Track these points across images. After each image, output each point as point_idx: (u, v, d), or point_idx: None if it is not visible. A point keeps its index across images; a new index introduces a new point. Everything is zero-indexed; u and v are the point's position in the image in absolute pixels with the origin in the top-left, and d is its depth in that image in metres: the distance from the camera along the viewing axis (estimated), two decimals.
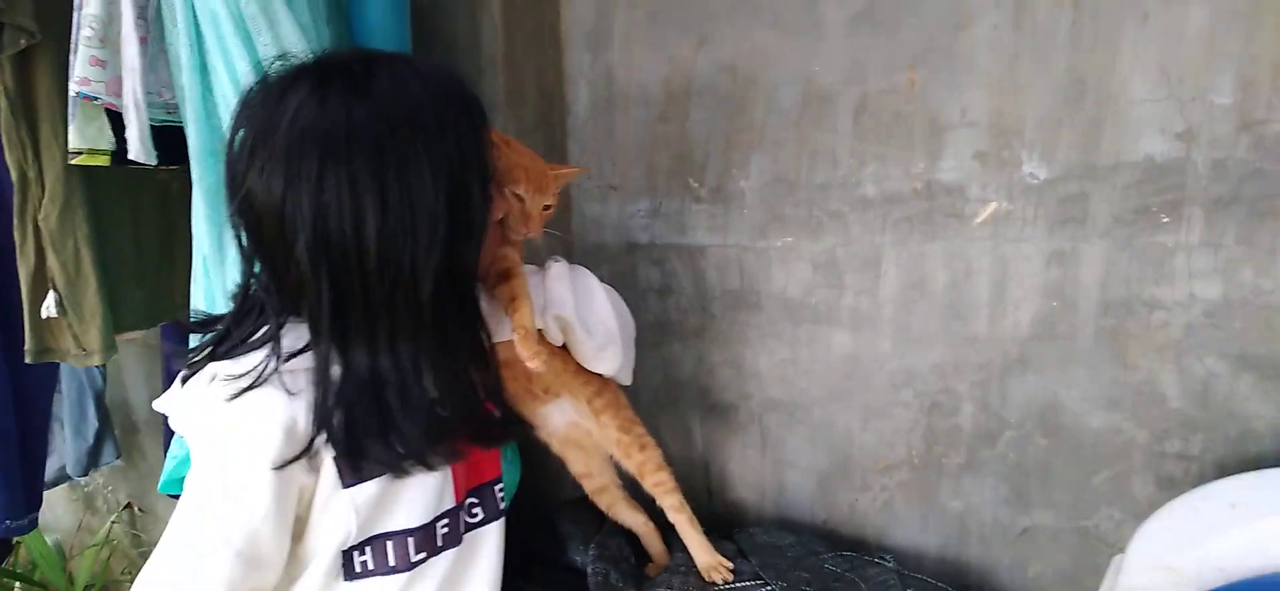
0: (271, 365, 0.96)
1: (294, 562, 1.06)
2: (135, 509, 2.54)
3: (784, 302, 1.56)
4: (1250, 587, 1.02)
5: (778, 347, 1.59)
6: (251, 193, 0.94)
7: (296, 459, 0.96)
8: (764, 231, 1.53)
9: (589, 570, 1.42)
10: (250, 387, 0.96)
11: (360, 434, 0.96)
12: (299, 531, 1.04)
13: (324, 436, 0.95)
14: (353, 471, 1.01)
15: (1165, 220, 1.23)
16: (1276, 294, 1.19)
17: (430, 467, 1.02)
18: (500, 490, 1.20)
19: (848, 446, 1.59)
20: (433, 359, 0.99)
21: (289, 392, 0.96)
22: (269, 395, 0.96)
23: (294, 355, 0.98)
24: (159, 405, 1.09)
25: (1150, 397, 1.30)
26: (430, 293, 0.95)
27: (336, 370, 0.97)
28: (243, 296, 1.05)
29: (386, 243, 0.91)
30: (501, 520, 1.21)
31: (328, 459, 1.00)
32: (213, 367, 1.00)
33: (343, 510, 1.02)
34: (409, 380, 0.97)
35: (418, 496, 1.07)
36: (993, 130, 1.32)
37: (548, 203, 1.21)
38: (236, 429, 0.96)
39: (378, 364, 0.96)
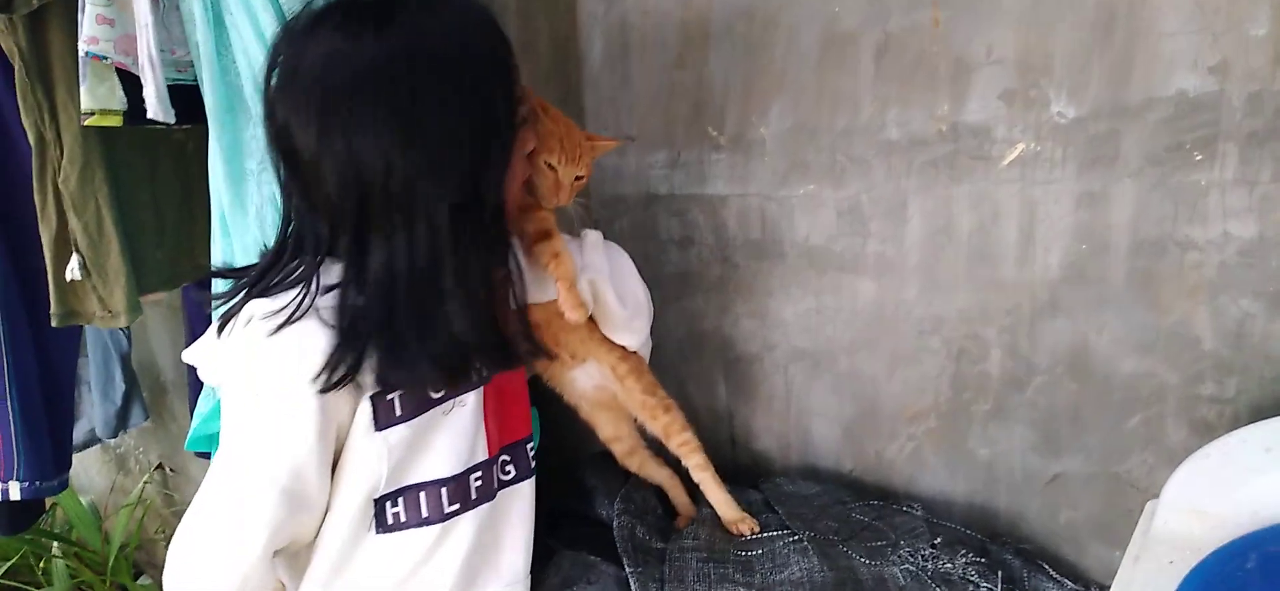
0: (307, 300, 0.98)
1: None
2: (166, 469, 2.58)
3: (807, 251, 1.54)
4: None
5: (801, 297, 1.57)
6: (284, 127, 0.98)
7: (339, 385, 0.98)
8: (785, 179, 1.51)
9: (615, 523, 1.42)
10: (289, 321, 0.98)
11: (384, 356, 0.99)
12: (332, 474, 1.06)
13: (355, 362, 0.98)
14: (386, 412, 1.02)
15: (1198, 157, 1.20)
16: None
17: (453, 386, 1.05)
18: (531, 449, 1.21)
19: (874, 395, 1.57)
20: (453, 286, 1.00)
21: (327, 325, 0.98)
22: (309, 328, 0.98)
23: (331, 289, 1.00)
24: (188, 356, 1.10)
25: (1183, 340, 1.27)
26: (449, 220, 0.97)
27: (362, 298, 1.00)
28: (282, 235, 1.07)
29: (412, 171, 0.95)
30: (532, 479, 1.21)
31: (364, 398, 1.01)
32: (250, 308, 1.02)
33: (374, 452, 1.03)
34: (429, 305, 0.99)
35: (450, 444, 1.08)
36: (1019, 68, 1.28)
37: (580, 173, 1.22)
38: (278, 363, 0.98)
39: (395, 288, 0.98)
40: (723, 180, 1.56)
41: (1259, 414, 1.20)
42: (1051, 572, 1.35)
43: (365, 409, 1.02)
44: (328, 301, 1.00)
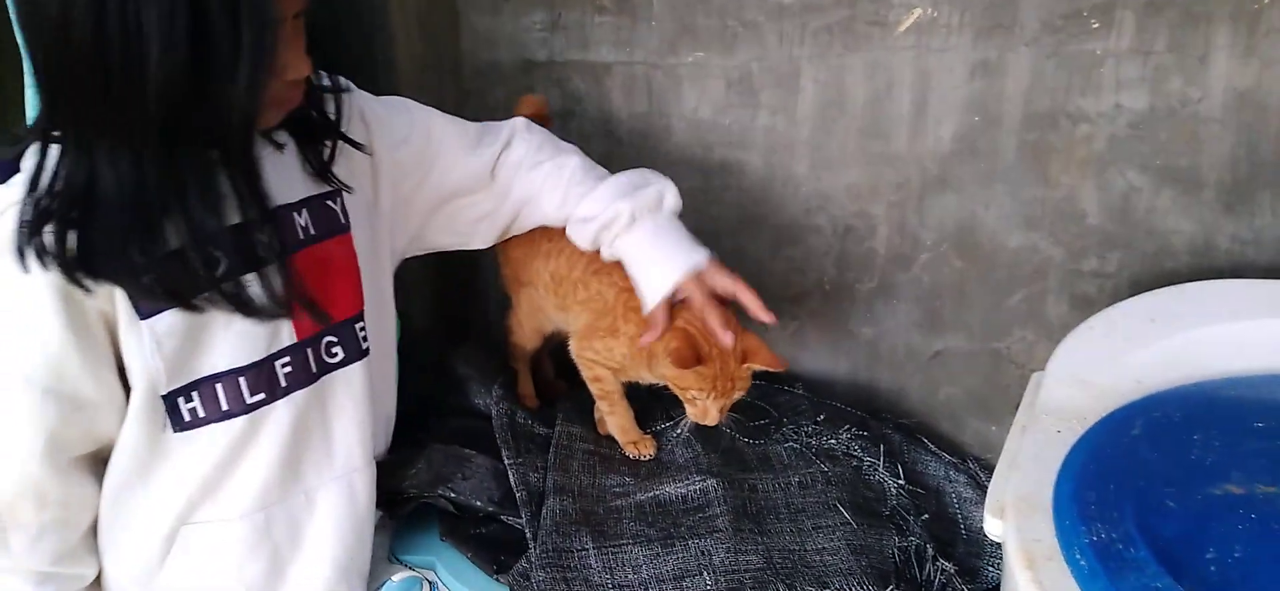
0: (20, 184, 0.85)
1: None
2: None
3: (695, 125, 1.46)
4: (1167, 399, 1.01)
5: (688, 174, 1.50)
6: None
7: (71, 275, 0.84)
8: (674, 46, 1.42)
9: (494, 410, 1.34)
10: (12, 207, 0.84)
11: (91, 251, 0.84)
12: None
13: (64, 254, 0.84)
14: (146, 299, 0.89)
15: (1095, 25, 1.17)
16: (1205, 103, 1.15)
17: (197, 309, 0.91)
18: (362, 328, 1.09)
19: (758, 275, 1.52)
20: (170, 198, 0.85)
21: (39, 211, 0.84)
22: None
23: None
24: None
25: (1069, 215, 1.27)
26: (161, 120, 0.80)
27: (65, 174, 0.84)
28: None
29: (101, 39, 0.77)
30: (367, 360, 1.10)
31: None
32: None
33: (142, 344, 0.91)
34: (135, 209, 0.84)
35: (240, 330, 0.95)
36: None
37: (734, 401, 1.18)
38: (8, 253, 0.85)
39: (98, 177, 0.83)
40: (607, 46, 1.46)
41: (1139, 288, 1.21)
42: (930, 446, 1.36)
43: (122, 296, 0.89)
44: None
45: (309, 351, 1.03)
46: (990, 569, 1.21)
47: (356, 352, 1.08)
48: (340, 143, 1.06)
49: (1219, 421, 0.94)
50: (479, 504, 1.18)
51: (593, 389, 1.29)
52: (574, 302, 1.26)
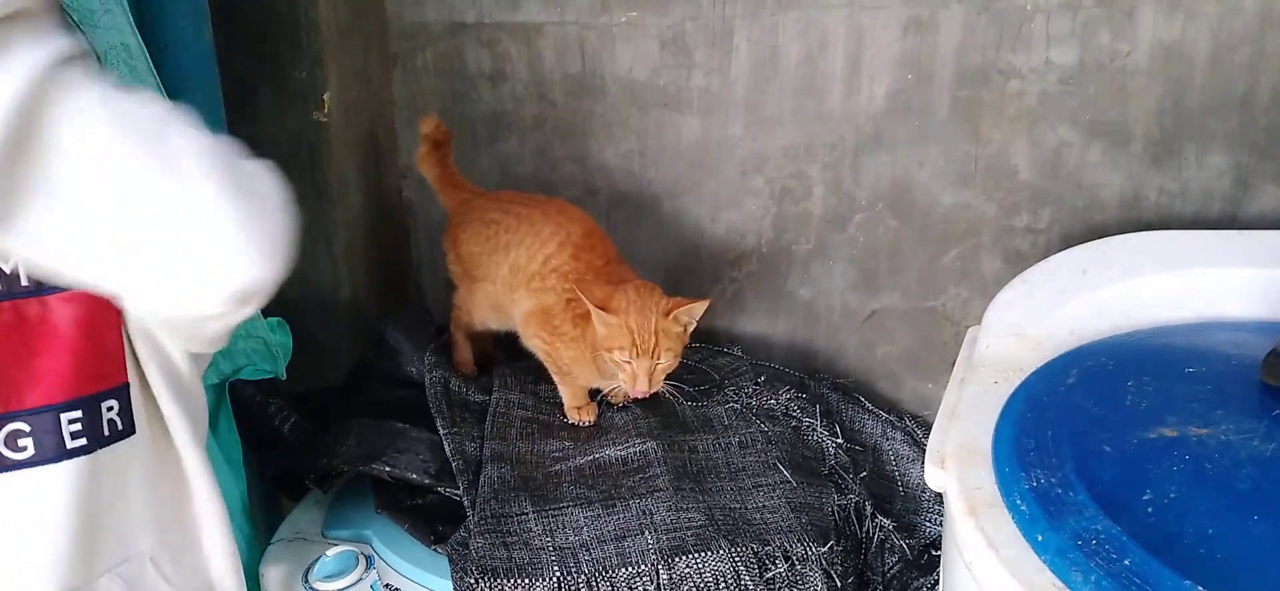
0: None
1: None
2: None
3: (630, 87, 1.44)
4: (1100, 348, 1.02)
5: (624, 137, 1.48)
6: None
7: None
8: (606, 5, 1.39)
9: (427, 378, 1.31)
10: None
11: None
12: None
13: None
14: None
15: None
16: (1133, 56, 1.17)
17: None
18: (75, 421, 0.81)
19: (697, 239, 1.52)
20: None
21: None
22: None
23: None
24: None
25: (1002, 171, 1.28)
26: None
27: None
28: None
29: None
30: (78, 461, 0.81)
31: None
32: None
33: None
34: None
35: None
36: None
37: (662, 362, 1.15)
38: None
39: None
40: (538, 6, 1.42)
41: (1069, 242, 1.23)
42: (867, 404, 1.37)
43: None
44: None
45: None
46: (928, 524, 1.22)
47: (59, 452, 0.80)
48: None
49: (1151, 368, 0.95)
50: (415, 477, 1.15)
51: (546, 364, 1.27)
52: (522, 288, 1.23)
